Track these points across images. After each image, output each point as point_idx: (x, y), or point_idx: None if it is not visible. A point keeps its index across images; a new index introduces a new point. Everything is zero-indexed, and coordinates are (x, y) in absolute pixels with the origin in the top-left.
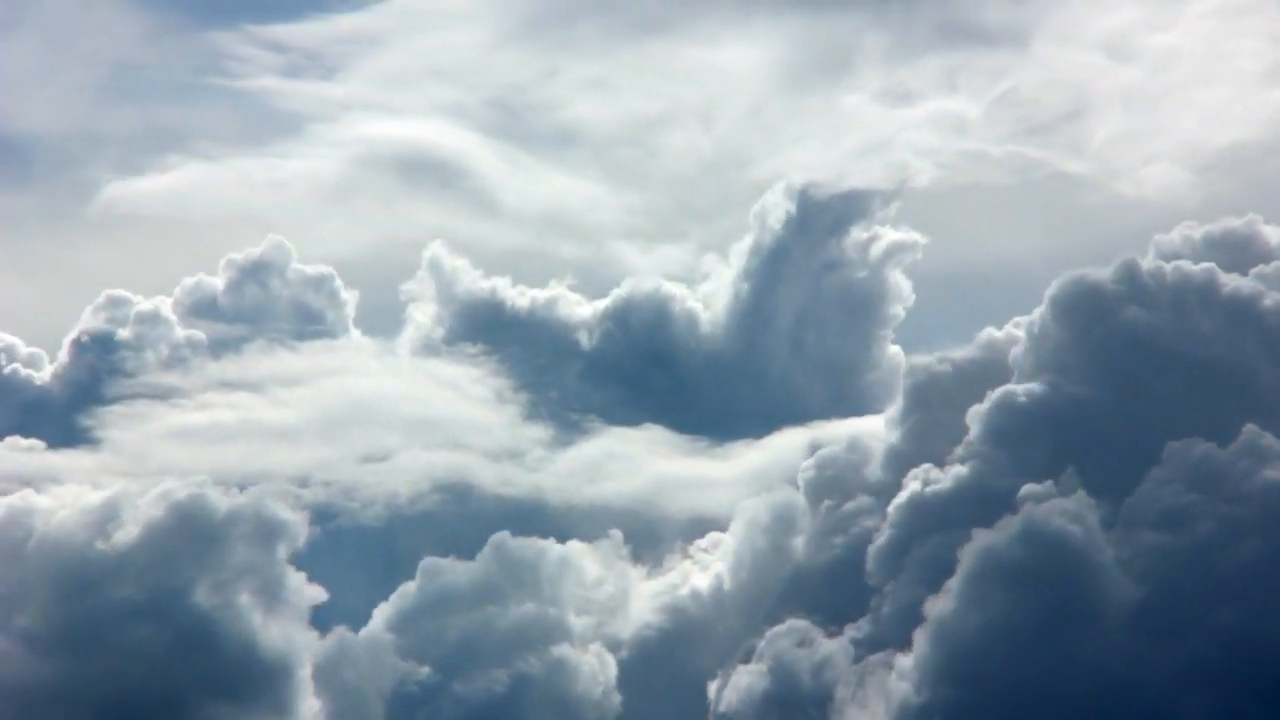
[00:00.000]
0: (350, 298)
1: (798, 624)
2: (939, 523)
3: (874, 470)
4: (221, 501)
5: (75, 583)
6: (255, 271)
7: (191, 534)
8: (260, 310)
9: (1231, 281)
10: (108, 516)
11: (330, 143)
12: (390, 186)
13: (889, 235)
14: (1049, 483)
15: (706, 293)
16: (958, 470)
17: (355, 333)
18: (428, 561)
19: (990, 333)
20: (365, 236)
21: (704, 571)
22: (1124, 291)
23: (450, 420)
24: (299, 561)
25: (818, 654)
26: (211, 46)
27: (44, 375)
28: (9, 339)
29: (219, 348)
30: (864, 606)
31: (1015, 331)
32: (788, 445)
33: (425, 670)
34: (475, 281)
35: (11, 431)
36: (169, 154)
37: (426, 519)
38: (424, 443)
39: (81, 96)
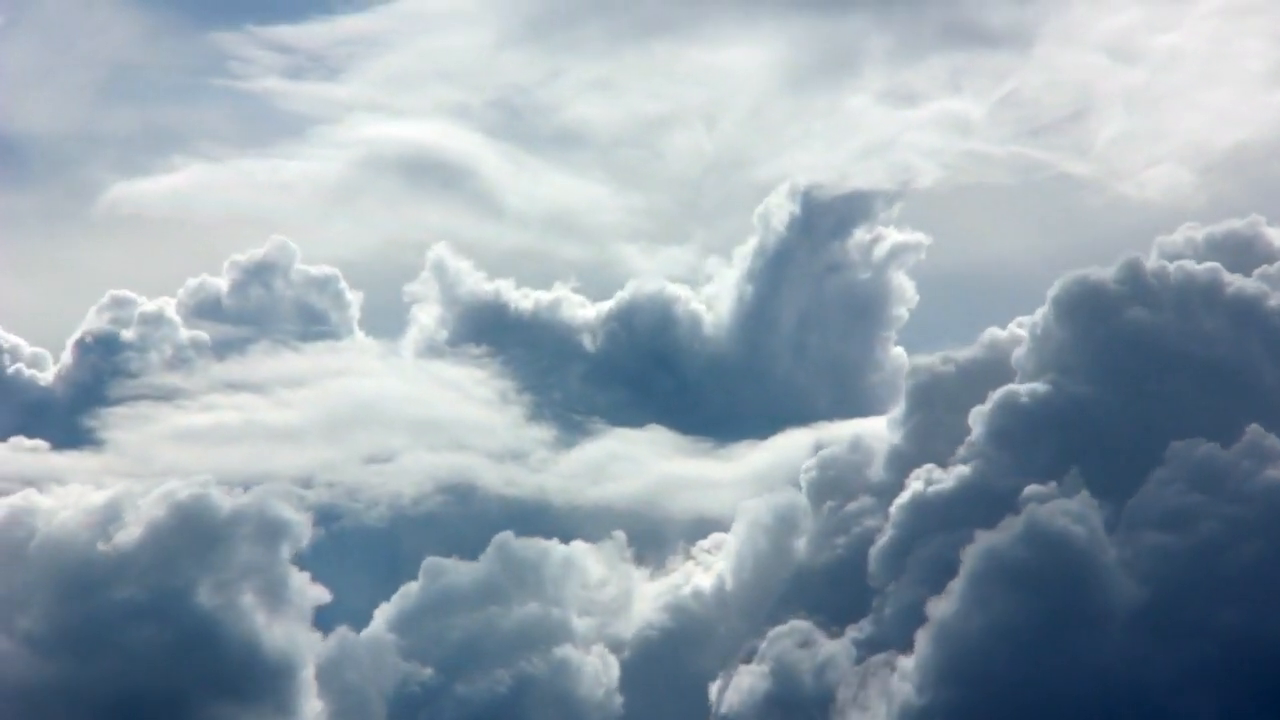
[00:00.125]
0: (354, 299)
1: (799, 625)
2: (941, 523)
3: (876, 470)
4: (225, 501)
5: (78, 583)
6: (259, 272)
7: (194, 534)
8: (264, 311)
9: (1235, 281)
10: (110, 517)
11: (334, 144)
12: (394, 188)
13: (892, 236)
14: (1052, 483)
15: (710, 294)
16: (960, 470)
17: (359, 334)
18: (430, 561)
19: (993, 333)
20: (369, 238)
21: (706, 572)
22: (1127, 291)
23: (454, 421)
24: (303, 563)
25: (819, 655)
26: (215, 47)
27: (48, 376)
28: (13, 339)
29: (223, 349)
30: (866, 607)
31: (1018, 331)
32: (791, 446)
33: (428, 671)
34: (479, 283)
35: (15, 432)
36: (173, 155)
37: (430, 520)
38: (428, 444)
39: (86, 97)
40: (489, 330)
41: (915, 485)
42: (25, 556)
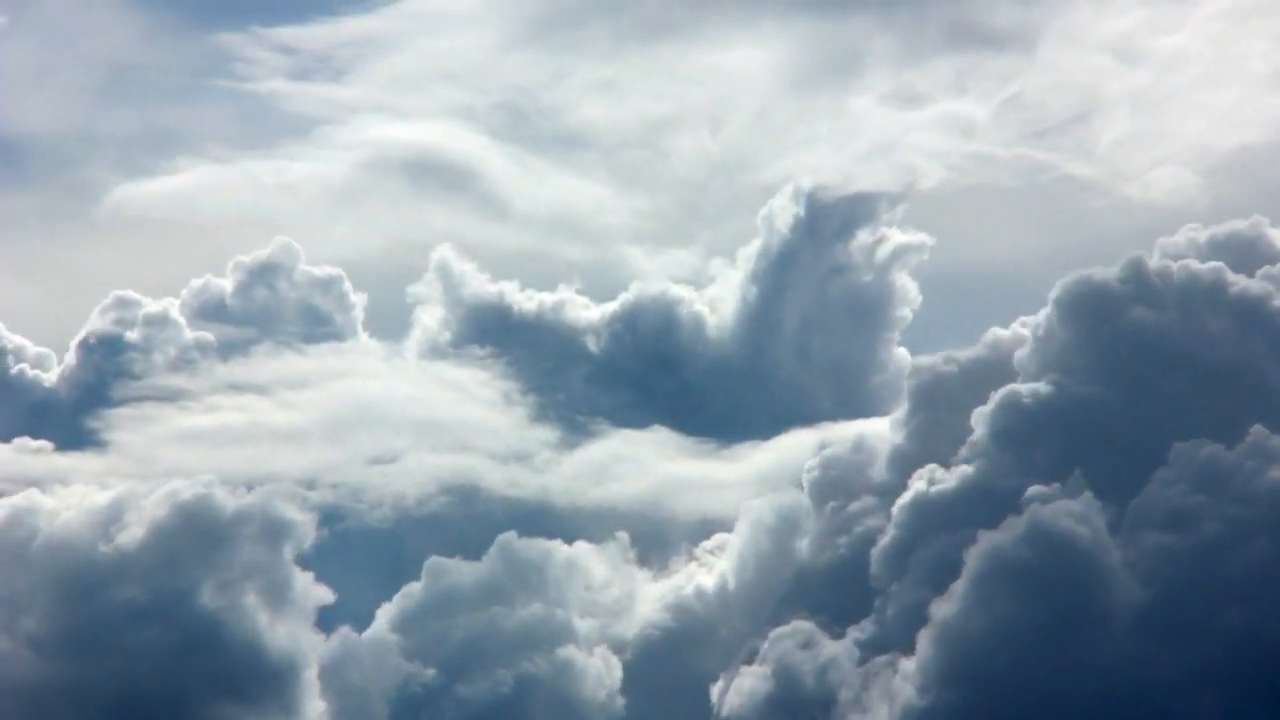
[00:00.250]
0: (359, 300)
1: (801, 625)
2: (944, 524)
3: (879, 471)
4: (228, 502)
5: (80, 583)
6: (263, 274)
7: (198, 534)
8: (268, 312)
9: (1239, 281)
10: (113, 517)
11: (339, 145)
12: (399, 189)
13: (896, 237)
14: (1054, 484)
15: (713, 296)
16: (963, 471)
17: (363, 335)
18: (432, 561)
19: (996, 333)
20: (373, 239)
21: (708, 573)
22: (1130, 291)
23: (458, 422)
24: (306, 564)
25: (821, 656)
26: (220, 48)
27: (52, 377)
28: (17, 340)
29: (227, 350)
30: (868, 608)
31: (1021, 331)
32: (795, 447)
33: (430, 672)
34: (483, 284)
35: (20, 433)
36: (177, 156)
37: (434, 521)
38: (431, 445)
39: (91, 98)
40: (493, 331)
41: (918, 485)
42: (28, 557)
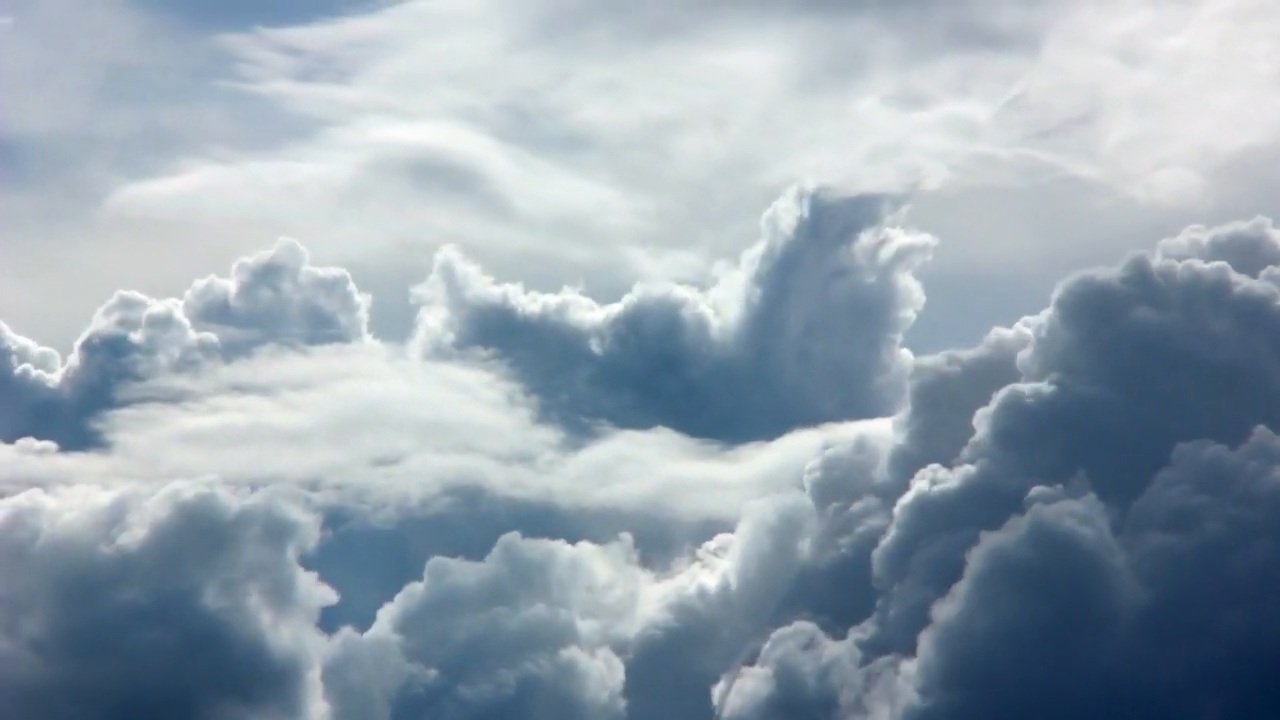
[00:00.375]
0: (363, 301)
1: (803, 626)
2: (946, 524)
3: (881, 471)
4: (231, 502)
5: (83, 584)
6: (267, 275)
7: (201, 535)
8: (272, 313)
9: (1243, 281)
10: (116, 517)
11: (343, 146)
12: (402, 190)
13: (899, 238)
14: (1057, 484)
15: (717, 297)
16: (965, 471)
17: (367, 336)
18: (435, 562)
19: (998, 333)
20: (377, 240)
21: (711, 573)
22: (1133, 291)
23: (461, 423)
24: (310, 564)
25: (823, 657)
26: (224, 49)
27: (55, 377)
28: (21, 340)
29: (231, 351)
30: (870, 608)
31: (1024, 331)
32: (799, 448)
33: (432, 672)
34: (487, 286)
35: (23, 433)
36: (181, 157)
37: (438, 522)
38: (435, 446)
39: (95, 99)
40: (497, 333)
41: (920, 486)
42: (31, 558)
